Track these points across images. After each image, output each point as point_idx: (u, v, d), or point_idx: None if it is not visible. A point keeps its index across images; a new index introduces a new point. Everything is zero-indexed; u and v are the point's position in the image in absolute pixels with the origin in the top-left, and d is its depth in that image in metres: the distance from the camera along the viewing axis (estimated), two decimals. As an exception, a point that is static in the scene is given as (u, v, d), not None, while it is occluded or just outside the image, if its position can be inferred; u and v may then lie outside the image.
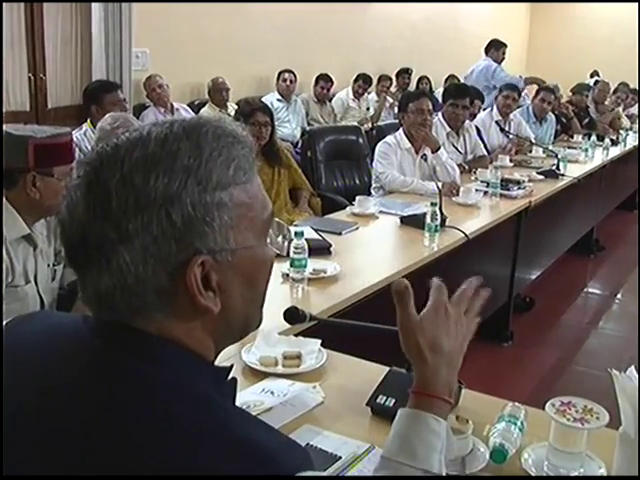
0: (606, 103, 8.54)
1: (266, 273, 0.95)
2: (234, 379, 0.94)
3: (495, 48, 8.59)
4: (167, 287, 0.83)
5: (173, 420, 0.78)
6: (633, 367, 1.42)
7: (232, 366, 0.95)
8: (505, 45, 8.87)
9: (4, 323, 0.99)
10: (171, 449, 0.76)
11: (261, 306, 0.98)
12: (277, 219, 1.00)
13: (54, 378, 0.85)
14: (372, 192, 4.37)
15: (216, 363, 0.95)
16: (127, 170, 0.81)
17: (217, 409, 0.82)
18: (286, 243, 1.04)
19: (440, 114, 4.97)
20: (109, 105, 4.37)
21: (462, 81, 8.79)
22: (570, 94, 8.14)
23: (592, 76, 11.96)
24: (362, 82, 8.06)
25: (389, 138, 4.40)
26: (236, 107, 4.53)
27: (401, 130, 4.40)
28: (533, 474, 1.40)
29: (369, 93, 8.44)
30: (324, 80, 7.54)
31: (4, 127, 2.17)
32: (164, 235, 0.81)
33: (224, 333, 0.92)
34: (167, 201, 0.80)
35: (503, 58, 8.86)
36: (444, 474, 1.06)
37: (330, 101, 7.84)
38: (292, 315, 1.27)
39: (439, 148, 4.38)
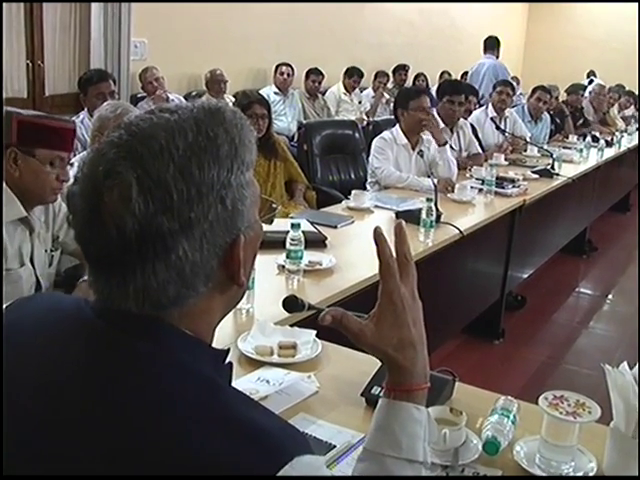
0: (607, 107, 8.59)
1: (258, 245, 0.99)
2: (230, 363, 0.95)
3: (495, 46, 8.68)
4: (214, 270, 0.86)
5: (177, 401, 0.79)
6: (625, 363, 1.44)
7: (229, 350, 0.96)
8: (500, 43, 8.94)
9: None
10: (174, 431, 0.76)
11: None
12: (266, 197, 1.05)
13: (55, 361, 0.86)
14: (367, 187, 4.38)
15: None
16: (179, 162, 0.82)
17: (221, 391, 0.83)
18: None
19: (435, 111, 4.98)
20: (93, 97, 4.33)
21: (468, 79, 8.85)
22: (565, 94, 8.16)
23: (589, 76, 12.01)
24: (357, 77, 8.06)
25: (385, 133, 4.41)
26: (233, 99, 4.52)
27: (397, 126, 4.41)
28: (525, 466, 1.42)
29: (364, 89, 8.44)
30: (315, 74, 7.52)
31: (9, 108, 2.17)
32: (218, 220, 0.84)
33: (230, 307, 0.96)
34: (222, 187, 0.84)
35: (498, 56, 8.92)
36: (428, 461, 1.07)
37: (323, 95, 7.83)
38: (291, 304, 1.28)
39: (445, 143, 4.40)
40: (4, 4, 4.57)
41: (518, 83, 9.10)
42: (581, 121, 7.80)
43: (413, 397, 1.07)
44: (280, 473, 0.74)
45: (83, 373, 0.83)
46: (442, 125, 4.90)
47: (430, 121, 4.37)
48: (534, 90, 6.75)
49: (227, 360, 0.95)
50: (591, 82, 9.43)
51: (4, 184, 2.15)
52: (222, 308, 0.94)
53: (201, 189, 0.83)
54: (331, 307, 1.11)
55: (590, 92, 8.64)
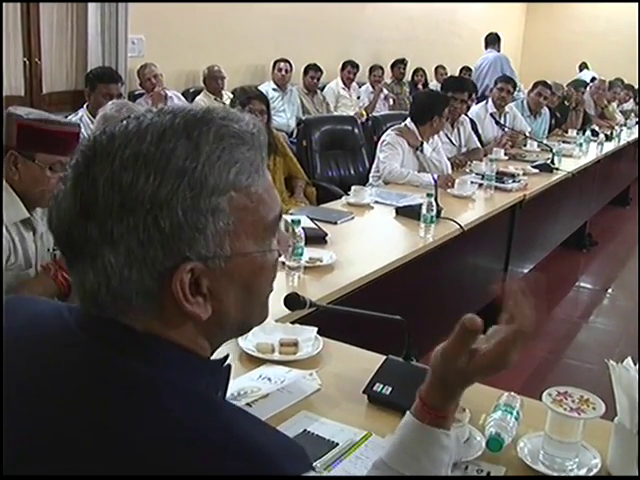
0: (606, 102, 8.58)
1: (268, 278, 0.89)
2: (228, 366, 0.91)
3: (496, 41, 8.72)
4: (153, 290, 0.79)
5: (171, 421, 0.75)
6: (630, 358, 1.44)
7: (227, 356, 0.92)
8: (500, 39, 8.97)
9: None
10: (168, 450, 0.73)
11: (264, 306, 0.92)
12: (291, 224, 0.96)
13: (40, 378, 0.81)
14: (370, 179, 4.37)
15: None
16: (117, 168, 0.76)
17: (216, 409, 0.80)
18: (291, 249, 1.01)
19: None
20: (100, 95, 4.32)
21: (472, 74, 8.88)
22: (569, 88, 8.15)
23: (581, 69, 12.01)
24: (350, 67, 8.03)
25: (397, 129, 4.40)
26: (231, 95, 4.51)
27: (409, 120, 4.39)
28: (529, 463, 1.41)
29: (362, 84, 8.42)
30: (313, 70, 7.49)
31: (12, 108, 2.16)
32: (150, 240, 0.76)
33: (218, 334, 0.88)
34: (155, 206, 0.75)
35: (499, 51, 8.94)
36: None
37: (322, 90, 7.81)
38: (293, 301, 1.27)
39: (421, 144, 4.40)
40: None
41: (516, 77, 9.09)
42: (582, 116, 7.78)
43: (446, 423, 1.05)
44: None
45: (70, 397, 0.78)
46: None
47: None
48: (535, 85, 6.72)
49: (226, 363, 0.91)
50: (593, 79, 9.40)
51: (8, 186, 2.14)
52: (205, 333, 0.85)
53: (125, 203, 0.75)
54: (333, 307, 1.10)
55: (590, 86, 8.63)
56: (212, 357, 0.90)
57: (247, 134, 0.82)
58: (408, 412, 1.06)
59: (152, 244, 0.76)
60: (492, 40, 8.94)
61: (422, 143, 4.36)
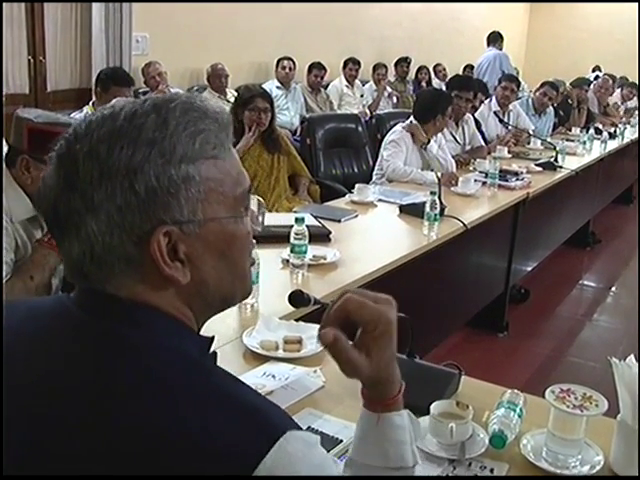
0: (609, 100, 8.58)
1: (242, 247, 0.94)
2: (214, 353, 0.93)
3: (498, 40, 8.71)
4: (134, 255, 0.84)
5: (170, 386, 0.79)
6: (632, 356, 1.44)
7: (214, 337, 0.94)
8: (502, 37, 8.96)
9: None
10: (173, 415, 0.77)
11: (243, 278, 0.97)
12: (257, 197, 1.01)
13: (41, 357, 0.86)
14: (374, 178, 4.38)
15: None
16: (94, 143, 0.83)
17: (211, 373, 0.84)
18: (260, 218, 1.05)
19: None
20: (112, 97, 4.31)
21: (475, 72, 8.88)
22: (570, 87, 8.15)
23: (594, 71, 11.98)
24: (352, 64, 8.03)
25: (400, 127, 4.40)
26: (235, 93, 4.51)
27: (412, 118, 4.39)
28: (532, 460, 1.41)
29: (365, 83, 8.42)
30: (317, 68, 7.50)
31: (20, 111, 2.17)
32: (128, 205, 0.82)
33: (200, 304, 0.91)
34: (130, 172, 0.82)
35: (501, 49, 8.94)
36: (418, 462, 1.07)
37: (325, 88, 7.81)
38: (297, 298, 1.27)
39: (428, 142, 4.39)
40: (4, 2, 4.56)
41: (517, 74, 9.09)
42: (585, 114, 7.78)
43: (396, 406, 1.07)
44: (275, 446, 0.75)
45: (72, 371, 0.83)
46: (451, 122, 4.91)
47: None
48: (542, 85, 6.72)
49: (221, 354, 0.94)
50: (597, 78, 9.40)
51: (16, 184, 2.15)
52: (187, 300, 0.90)
53: (104, 171, 0.82)
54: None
55: (594, 84, 8.62)
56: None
57: (210, 111, 0.89)
58: (363, 409, 1.09)
59: (129, 208, 0.82)
60: (494, 38, 8.95)
61: (429, 141, 4.36)
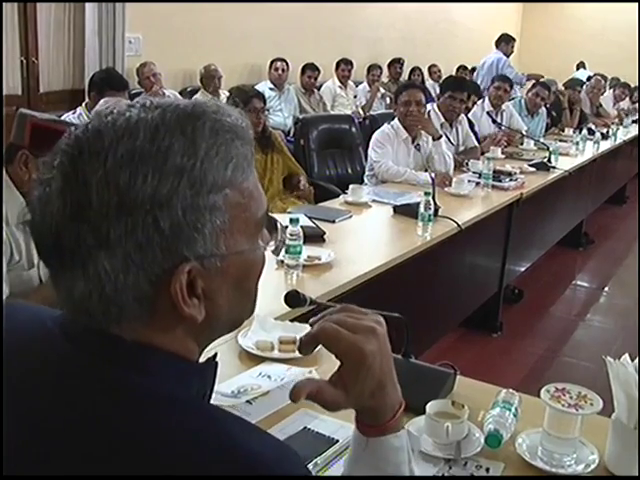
0: (601, 100, 8.60)
1: (256, 275, 0.87)
2: (215, 363, 0.88)
3: (505, 42, 8.74)
4: (149, 295, 0.75)
5: (165, 432, 0.73)
6: (627, 355, 1.45)
7: (216, 354, 0.88)
8: (514, 39, 8.96)
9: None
10: (165, 461, 0.71)
11: (254, 300, 0.90)
12: (272, 215, 0.94)
13: (27, 394, 0.78)
14: (365, 180, 4.38)
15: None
16: (111, 167, 0.72)
17: (210, 417, 0.77)
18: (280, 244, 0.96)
19: (435, 105, 4.99)
20: None
21: (474, 73, 8.90)
22: (562, 88, 8.18)
23: (578, 68, 12.03)
24: (344, 65, 8.04)
25: (386, 127, 4.38)
26: (228, 95, 4.51)
27: (397, 120, 4.40)
28: (527, 459, 1.42)
29: (359, 84, 8.43)
30: (310, 69, 7.51)
31: (23, 110, 2.17)
32: (149, 242, 0.72)
33: (208, 336, 0.85)
34: (155, 206, 0.72)
35: (512, 51, 8.93)
36: (416, 472, 1.03)
37: (319, 90, 7.82)
38: (293, 298, 1.27)
39: (440, 137, 4.40)
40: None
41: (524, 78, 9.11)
42: (578, 115, 7.79)
43: (392, 427, 0.98)
44: None
45: (61, 410, 0.75)
46: (442, 120, 4.91)
47: (415, 115, 4.31)
48: (534, 85, 6.75)
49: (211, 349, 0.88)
50: (589, 79, 9.42)
51: (13, 187, 2.14)
52: (195, 335, 0.82)
53: (124, 204, 0.71)
54: (333, 304, 1.09)
55: (586, 85, 8.65)
56: (201, 357, 0.87)
57: (239, 128, 0.80)
58: (355, 429, 1.01)
59: (151, 246, 0.73)
60: (499, 41, 8.94)
61: (415, 137, 4.36)
